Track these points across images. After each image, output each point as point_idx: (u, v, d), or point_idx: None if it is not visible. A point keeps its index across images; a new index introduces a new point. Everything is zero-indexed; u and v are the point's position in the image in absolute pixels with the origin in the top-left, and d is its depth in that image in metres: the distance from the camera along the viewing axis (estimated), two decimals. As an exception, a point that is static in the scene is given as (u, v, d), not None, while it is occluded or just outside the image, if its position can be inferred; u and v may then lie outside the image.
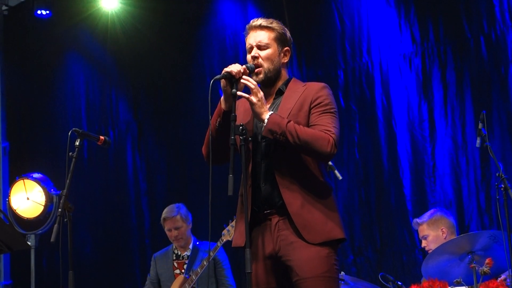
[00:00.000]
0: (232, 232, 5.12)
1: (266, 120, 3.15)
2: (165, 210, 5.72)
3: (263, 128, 3.17)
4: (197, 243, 5.65)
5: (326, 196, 3.26)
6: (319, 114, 3.25)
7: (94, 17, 7.46)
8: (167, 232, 5.66)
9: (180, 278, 5.50)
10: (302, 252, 3.17)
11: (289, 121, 3.17)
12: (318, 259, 3.17)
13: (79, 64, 7.79)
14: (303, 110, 3.28)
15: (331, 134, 3.19)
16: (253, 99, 3.16)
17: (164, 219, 5.65)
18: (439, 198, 5.83)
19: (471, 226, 5.65)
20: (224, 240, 5.20)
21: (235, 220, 5.11)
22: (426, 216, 5.04)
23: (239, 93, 3.17)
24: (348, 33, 6.42)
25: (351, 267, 6.13)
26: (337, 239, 3.24)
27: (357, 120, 6.31)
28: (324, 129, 3.20)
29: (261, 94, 3.19)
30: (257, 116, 3.19)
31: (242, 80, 3.17)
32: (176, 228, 5.60)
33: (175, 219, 5.61)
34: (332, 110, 3.28)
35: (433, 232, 4.96)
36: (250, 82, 3.18)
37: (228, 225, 5.20)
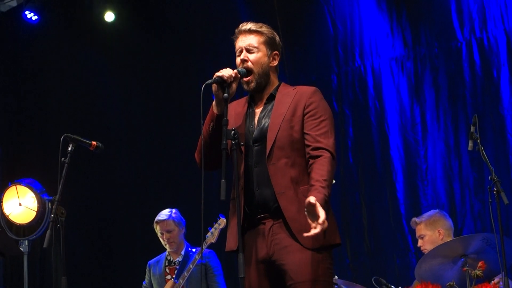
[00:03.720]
0: (216, 234, 5.14)
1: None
2: (159, 214, 5.71)
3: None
4: (189, 249, 5.64)
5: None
6: (315, 124, 3.23)
7: (92, 27, 7.48)
8: (159, 236, 5.64)
9: (170, 283, 5.49)
10: (296, 256, 3.16)
11: (322, 186, 3.06)
12: (312, 263, 3.15)
13: (72, 69, 7.76)
14: (297, 115, 3.27)
15: (330, 149, 3.17)
16: (319, 227, 2.98)
17: (157, 222, 5.64)
18: (432, 202, 5.83)
19: (464, 230, 5.66)
20: (208, 242, 5.20)
21: (218, 222, 5.16)
22: (425, 216, 4.98)
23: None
24: (341, 37, 6.43)
25: (347, 271, 6.13)
26: (333, 244, 3.23)
27: (350, 124, 6.33)
28: (321, 143, 3.17)
29: (322, 215, 2.97)
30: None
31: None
32: (168, 232, 5.58)
33: (167, 222, 5.59)
34: (326, 117, 3.27)
35: (430, 232, 4.90)
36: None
37: (212, 227, 5.20)
